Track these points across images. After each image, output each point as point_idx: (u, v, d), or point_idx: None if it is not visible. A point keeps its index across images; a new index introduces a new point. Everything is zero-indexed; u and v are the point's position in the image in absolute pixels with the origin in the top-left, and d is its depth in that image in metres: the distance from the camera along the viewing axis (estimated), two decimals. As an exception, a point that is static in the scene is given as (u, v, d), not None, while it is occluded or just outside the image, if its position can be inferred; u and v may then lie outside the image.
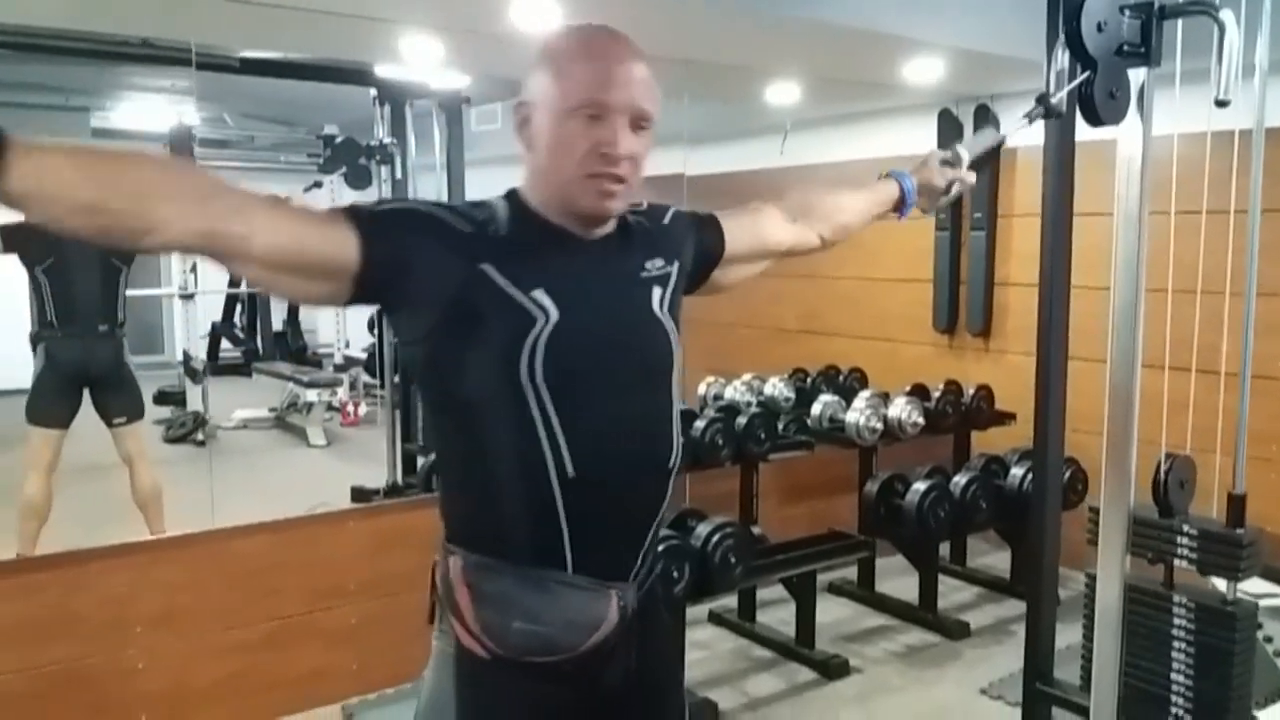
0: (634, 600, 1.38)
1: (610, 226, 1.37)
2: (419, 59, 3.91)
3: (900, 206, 1.82)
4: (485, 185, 4.98)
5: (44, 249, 4.13)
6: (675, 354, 1.41)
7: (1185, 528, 2.38)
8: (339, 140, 5.24)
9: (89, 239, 1.11)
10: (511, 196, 1.35)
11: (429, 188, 5.37)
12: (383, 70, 4.83)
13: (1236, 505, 2.34)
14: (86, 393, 4.26)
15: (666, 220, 1.48)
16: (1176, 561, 2.42)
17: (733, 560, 3.22)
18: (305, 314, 9.22)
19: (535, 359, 1.25)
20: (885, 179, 1.82)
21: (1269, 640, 3.16)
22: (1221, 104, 2.04)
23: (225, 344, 8.67)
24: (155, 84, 6.13)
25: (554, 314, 1.26)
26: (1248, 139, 2.25)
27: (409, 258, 1.23)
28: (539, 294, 1.26)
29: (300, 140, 7.75)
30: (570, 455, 1.27)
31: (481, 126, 6.12)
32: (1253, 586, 2.91)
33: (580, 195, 1.29)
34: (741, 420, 3.82)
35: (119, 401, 4.30)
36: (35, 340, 4.37)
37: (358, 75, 4.92)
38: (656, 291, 1.40)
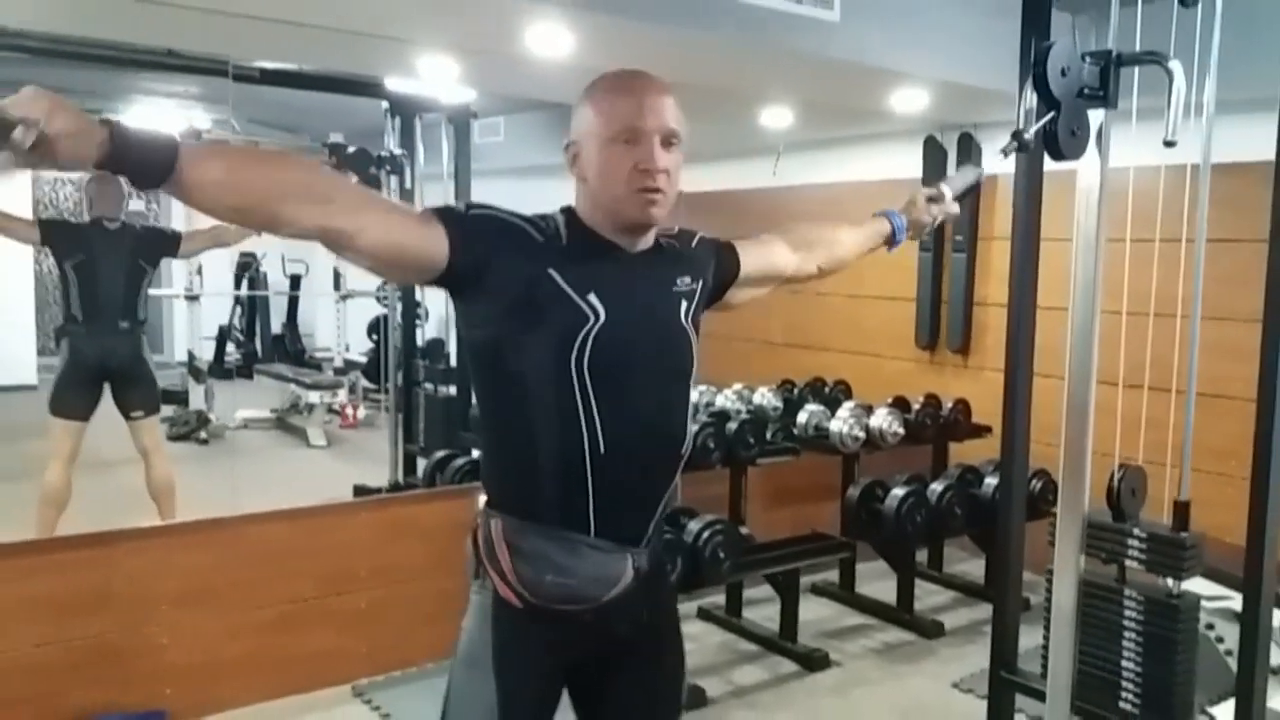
0: (645, 563, 1.62)
1: (649, 242, 1.61)
2: (434, 76, 4.13)
3: (890, 242, 2.08)
4: (490, 192, 5.21)
5: (75, 247, 4.33)
6: (694, 359, 1.65)
7: (1136, 531, 2.60)
8: (351, 150, 5.42)
9: (235, 223, 1.38)
10: (569, 213, 1.59)
11: (435, 197, 5.58)
12: (395, 84, 5.03)
13: (1181, 511, 2.56)
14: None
15: (694, 244, 1.73)
16: (1128, 562, 2.64)
17: (722, 555, 3.44)
18: (303, 317, 9.41)
19: (585, 351, 1.48)
20: (877, 217, 2.07)
21: (1220, 640, 3.39)
22: (1169, 144, 2.27)
23: (230, 346, 8.83)
24: (166, 89, 6.33)
25: (603, 314, 1.50)
26: (1197, 173, 2.48)
27: (490, 257, 1.46)
28: (592, 297, 1.50)
29: (304, 148, 7.95)
30: (603, 435, 1.50)
31: (484, 139, 6.34)
32: (1207, 590, 3.14)
33: (628, 207, 1.53)
34: (732, 426, 4.04)
35: (138, 396, 4.48)
36: (60, 335, 4.54)
37: (371, 88, 5.11)
38: (683, 304, 1.64)
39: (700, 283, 1.68)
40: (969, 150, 5.11)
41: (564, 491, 1.52)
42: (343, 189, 1.44)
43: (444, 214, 1.46)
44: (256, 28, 3.35)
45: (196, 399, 7.25)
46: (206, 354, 7.91)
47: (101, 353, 4.38)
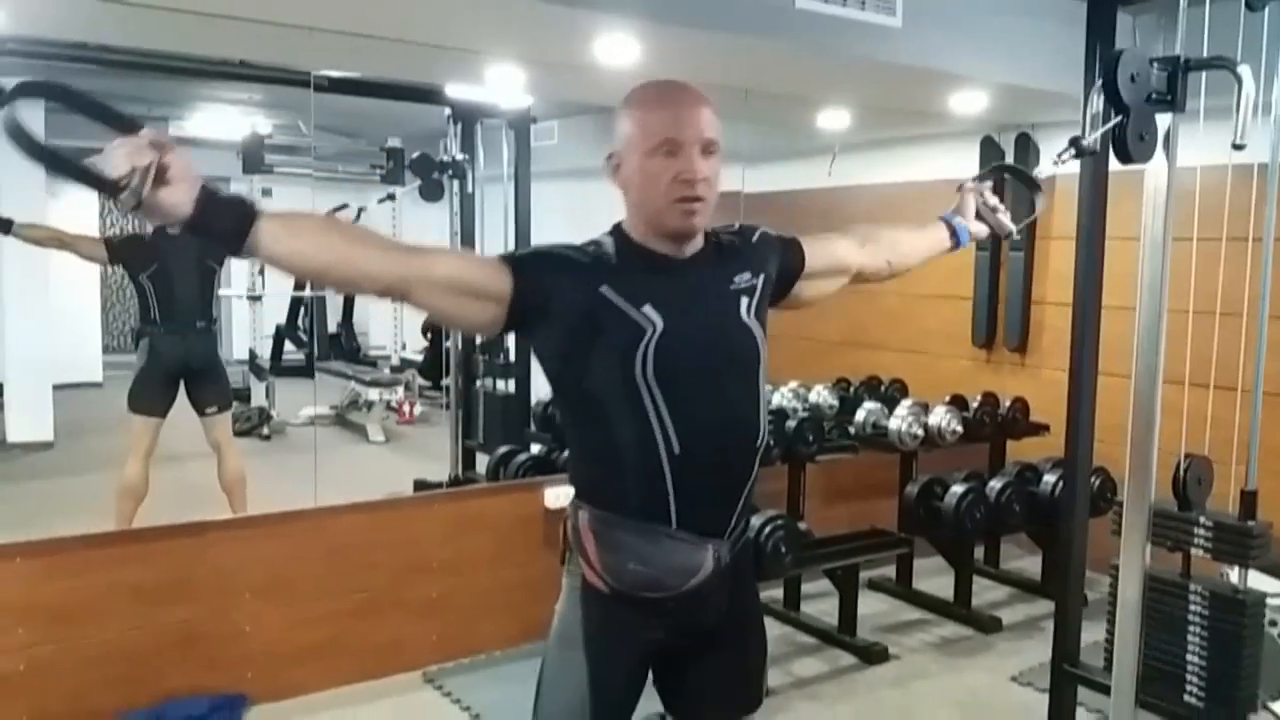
0: (728, 554, 1.67)
1: (699, 244, 1.66)
2: (501, 84, 4.24)
3: (955, 242, 2.12)
4: (543, 195, 5.31)
5: (147, 259, 4.48)
6: (762, 353, 1.69)
7: (1201, 520, 2.63)
8: (415, 156, 5.56)
9: (315, 283, 1.50)
10: (616, 232, 1.66)
11: (495, 200, 5.70)
12: (458, 91, 5.14)
13: (1248, 500, 2.60)
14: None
15: (755, 239, 1.77)
16: (1194, 551, 2.68)
17: (783, 550, 3.50)
18: (358, 317, 9.59)
19: (647, 360, 1.55)
20: (937, 223, 2.11)
21: (1282, 638, 3.39)
22: (1239, 147, 2.32)
23: (288, 345, 9.02)
24: (231, 96, 6.51)
25: (660, 324, 1.56)
26: (1265, 172, 2.51)
27: (549, 287, 1.55)
28: (647, 308, 1.56)
29: (362, 151, 8.09)
30: (676, 436, 1.57)
31: (539, 142, 6.44)
32: (1270, 587, 3.15)
33: (669, 218, 1.59)
34: (791, 424, 4.11)
35: (212, 392, 4.62)
36: (139, 336, 4.70)
37: (435, 96, 5.23)
38: (744, 301, 1.68)
39: (762, 277, 1.71)
40: (1026, 150, 5.12)
41: (646, 489, 1.60)
42: (412, 247, 1.52)
43: (504, 258, 1.56)
44: (335, 40, 3.46)
45: (258, 396, 7.44)
46: (264, 353, 8.10)
47: (179, 352, 4.53)
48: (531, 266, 1.56)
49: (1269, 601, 3.16)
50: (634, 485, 1.60)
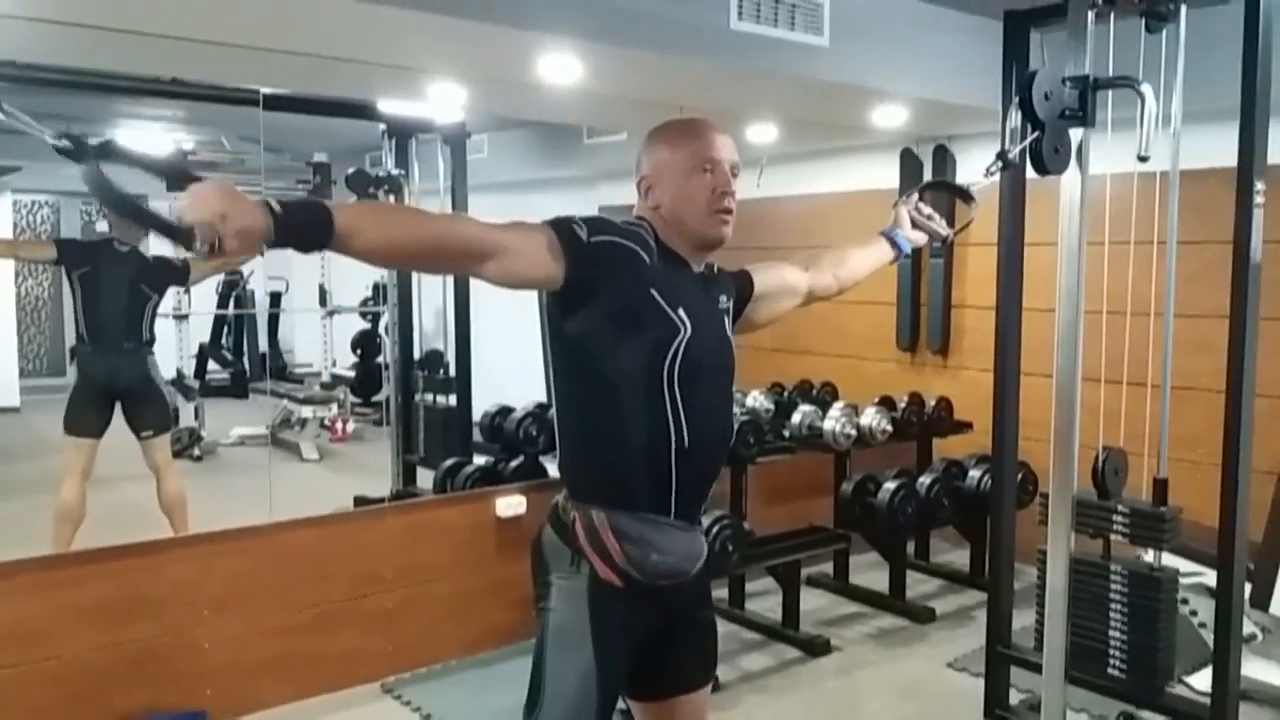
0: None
1: (702, 265, 1.88)
2: (442, 101, 4.32)
3: (897, 253, 2.32)
4: (475, 208, 5.34)
5: (81, 259, 4.50)
6: (735, 364, 1.90)
7: (1119, 507, 2.85)
8: (350, 172, 5.56)
9: (390, 268, 1.60)
10: (650, 229, 1.79)
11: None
12: (392, 106, 5.19)
13: (1160, 488, 2.82)
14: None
15: (717, 272, 1.97)
16: (1113, 536, 2.89)
17: (730, 549, 3.65)
18: (282, 334, 9.51)
19: (676, 359, 1.72)
20: (879, 238, 2.31)
21: (1194, 614, 3.65)
22: (1143, 159, 2.53)
23: (212, 365, 8.91)
24: (154, 113, 6.45)
25: (689, 327, 1.74)
26: (1168, 180, 2.73)
27: (604, 277, 1.68)
28: (680, 311, 1.75)
29: (287, 166, 8.06)
30: (686, 431, 1.74)
31: (470, 156, 6.52)
32: (1182, 567, 3.39)
33: (709, 227, 1.81)
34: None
35: (146, 414, 4.59)
36: (72, 355, 4.66)
37: (368, 111, 5.26)
38: (726, 319, 1.91)
39: (731, 301, 1.95)
40: (944, 161, 5.37)
41: (653, 481, 1.75)
42: (476, 225, 1.62)
43: (567, 238, 1.64)
44: (275, 59, 3.51)
45: (186, 416, 7.35)
46: (190, 372, 8.00)
47: (107, 372, 4.50)
48: (591, 257, 1.66)
49: (1183, 581, 3.42)
50: (642, 477, 1.75)
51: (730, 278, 2.00)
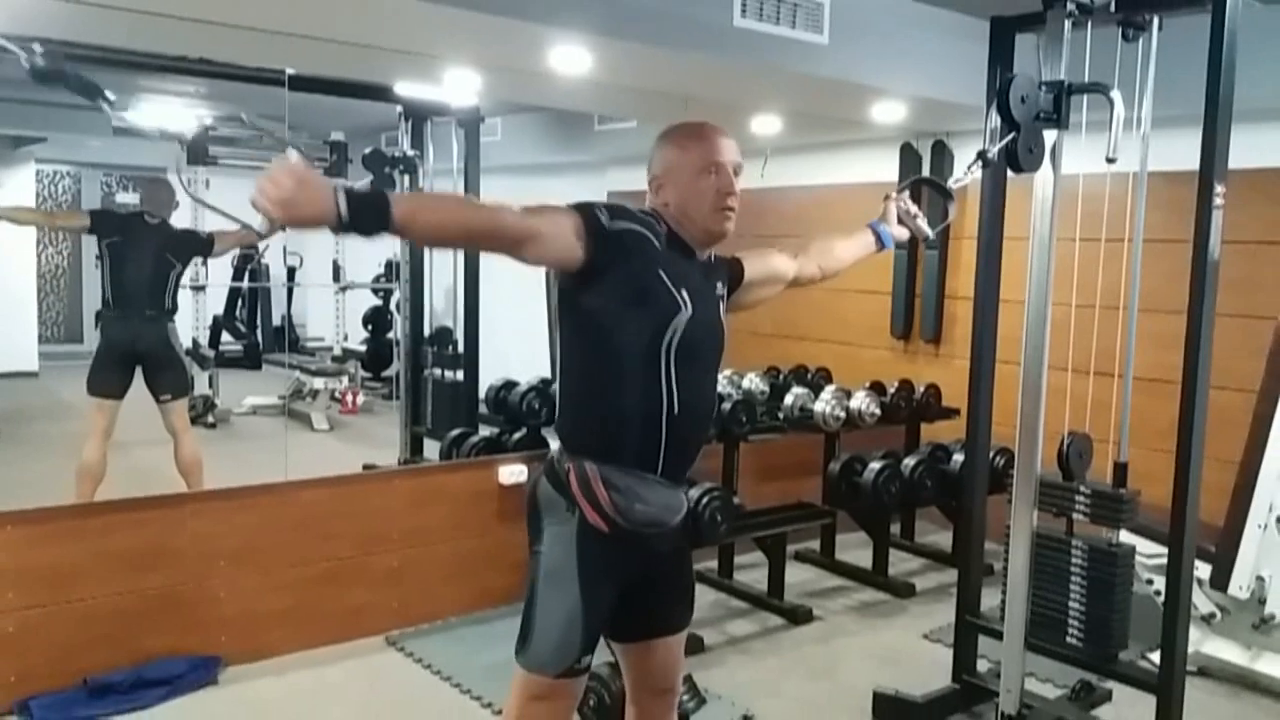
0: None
1: (706, 253, 2.09)
2: (456, 87, 4.50)
3: (880, 246, 2.52)
4: (487, 189, 5.52)
5: (113, 229, 4.70)
6: (725, 345, 2.12)
7: (1081, 488, 3.04)
8: (367, 151, 5.74)
9: (436, 247, 1.83)
10: (660, 219, 2.00)
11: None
12: (409, 89, 5.37)
13: (1120, 471, 3.00)
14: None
15: (713, 259, 2.16)
16: (1075, 516, 3.08)
17: (719, 519, 3.83)
18: (297, 309, 9.71)
19: (675, 334, 1.93)
20: (864, 229, 2.51)
21: (1159, 594, 3.83)
22: (1111, 160, 2.71)
23: (225, 336, 9.11)
24: (176, 89, 6.62)
25: (690, 307, 1.96)
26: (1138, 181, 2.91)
27: (621, 261, 1.89)
28: (684, 292, 1.96)
29: (305, 144, 8.22)
30: (677, 398, 1.95)
31: (483, 139, 6.70)
32: (1149, 549, 3.58)
33: (713, 223, 2.02)
34: (725, 406, 4.44)
35: (166, 379, 4.79)
36: (97, 320, 4.86)
37: (386, 93, 5.44)
38: (720, 304, 2.12)
39: (725, 288, 2.15)
40: (942, 156, 5.54)
41: (644, 440, 1.96)
42: (513, 215, 1.80)
43: (591, 222, 1.85)
44: (301, 43, 3.70)
45: (201, 385, 7.56)
46: (205, 342, 8.21)
47: (131, 337, 4.71)
48: (612, 243, 1.87)
49: (1148, 562, 3.61)
50: (634, 439, 1.96)
51: (724, 264, 2.20)
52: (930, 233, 2.66)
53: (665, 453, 1.97)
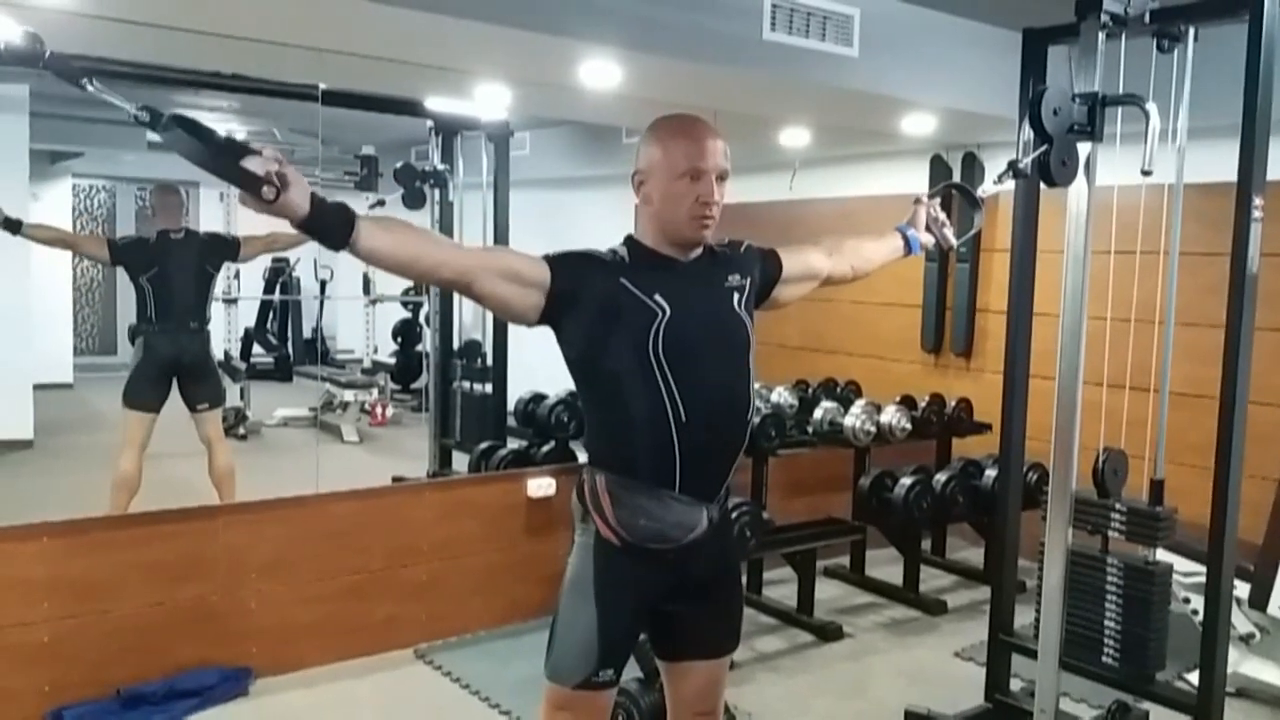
0: (717, 515, 2.01)
1: (699, 252, 2.01)
2: (487, 101, 4.53)
3: (907, 250, 2.46)
4: (516, 203, 5.54)
5: (149, 262, 4.71)
6: (751, 339, 2.04)
7: (1117, 505, 2.99)
8: (398, 166, 5.80)
9: (396, 274, 1.81)
10: (629, 241, 2.00)
11: (474, 208, 5.97)
12: (439, 104, 5.41)
13: (1157, 488, 2.96)
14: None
15: (743, 250, 2.13)
16: (1110, 534, 3.03)
17: (748, 534, 3.82)
18: (326, 321, 9.80)
19: (659, 340, 1.88)
20: (893, 233, 2.46)
21: (1196, 613, 3.77)
22: (1146, 173, 2.68)
23: (257, 349, 9.20)
24: (209, 104, 6.70)
25: (668, 310, 1.90)
26: (1172, 193, 2.87)
27: (580, 278, 1.88)
28: (658, 296, 1.91)
29: (336, 158, 8.30)
30: (684, 404, 1.90)
31: (512, 153, 6.73)
32: (1187, 568, 3.52)
33: (687, 229, 1.95)
34: (755, 420, 4.42)
35: (203, 389, 4.84)
36: (135, 334, 4.89)
37: (417, 108, 5.48)
38: (735, 296, 2.03)
39: (749, 279, 2.06)
40: (972, 168, 5.51)
41: (657, 455, 1.92)
42: (472, 249, 1.88)
43: (545, 258, 1.88)
44: (335, 59, 3.73)
45: (233, 397, 7.63)
46: (236, 354, 8.30)
47: (174, 351, 4.75)
48: (566, 261, 1.90)
49: (1184, 580, 3.55)
50: (646, 454, 1.93)
51: (755, 256, 2.13)
52: (955, 242, 2.62)
53: (682, 465, 1.91)
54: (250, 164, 1.57)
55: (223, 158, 1.58)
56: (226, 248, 5.07)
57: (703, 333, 1.95)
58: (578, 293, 1.88)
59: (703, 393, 1.92)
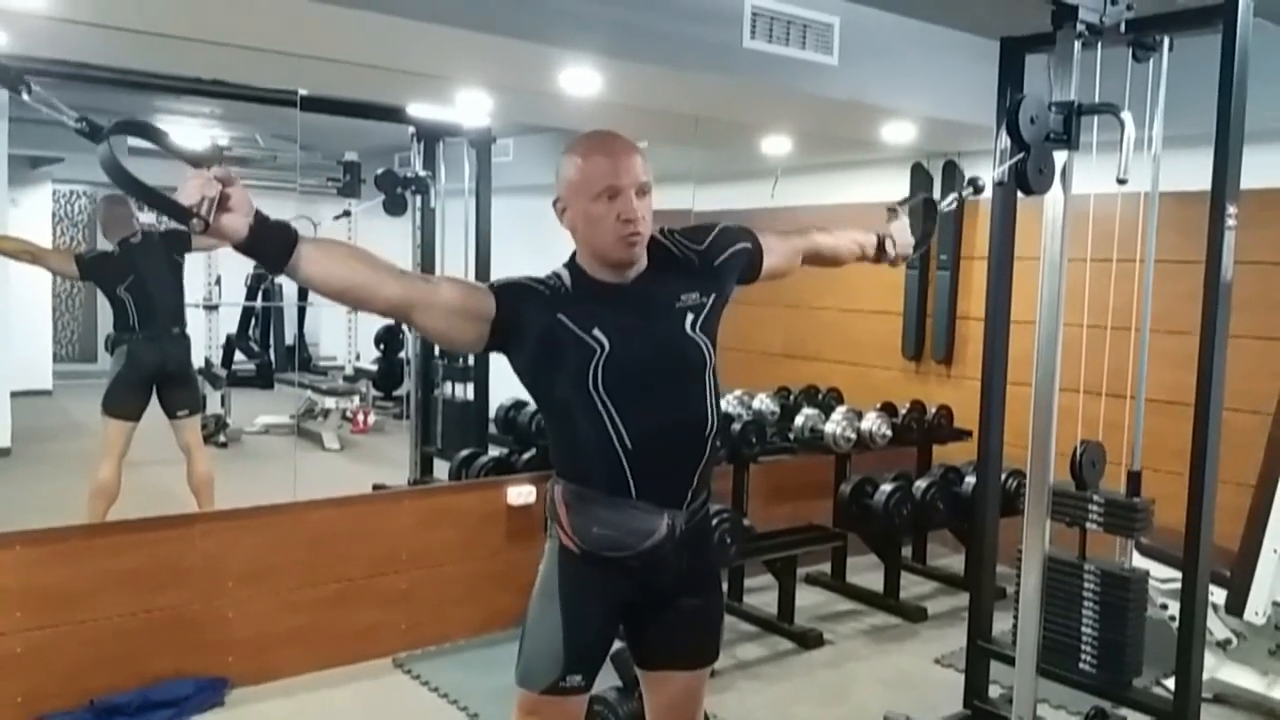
0: (683, 522, 1.96)
1: (642, 267, 1.94)
2: (468, 108, 4.52)
3: (878, 258, 2.43)
4: (499, 210, 5.53)
5: (122, 273, 4.64)
6: (709, 358, 1.98)
7: (1094, 498, 3.01)
8: (380, 172, 5.77)
9: (336, 301, 1.77)
10: (572, 265, 1.95)
11: (455, 214, 5.95)
12: (421, 110, 5.39)
13: (1133, 480, 2.98)
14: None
15: (709, 240, 2.04)
16: (1089, 527, 3.04)
17: (729, 541, 3.82)
18: (309, 328, 9.75)
19: (598, 376, 1.85)
20: (871, 234, 2.43)
21: (1174, 619, 3.79)
22: (1121, 181, 2.70)
23: (238, 355, 9.13)
24: (192, 110, 6.67)
25: (607, 345, 1.85)
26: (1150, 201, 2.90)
27: (520, 309, 1.85)
28: (596, 332, 1.86)
29: (318, 164, 8.26)
30: (627, 433, 1.87)
31: (495, 159, 6.72)
32: (1164, 574, 3.54)
33: (614, 251, 1.87)
34: (735, 428, 4.43)
35: (183, 396, 4.78)
36: (116, 343, 4.82)
37: (398, 114, 5.46)
38: (689, 317, 1.95)
39: (713, 296, 1.98)
40: (952, 175, 5.53)
41: (608, 474, 1.90)
42: (414, 275, 1.83)
43: (489, 286, 1.85)
44: (315, 65, 3.72)
45: (213, 404, 7.58)
46: (218, 361, 8.24)
47: (159, 358, 4.69)
48: (509, 293, 1.86)
49: (1162, 586, 3.57)
50: (598, 471, 1.91)
51: (731, 238, 2.06)
52: (911, 254, 2.60)
53: (635, 480, 1.89)
54: (186, 188, 1.52)
55: (149, 189, 1.55)
56: (181, 233, 4.99)
57: (649, 362, 1.89)
58: (520, 324, 1.85)
59: (651, 419, 1.89)
